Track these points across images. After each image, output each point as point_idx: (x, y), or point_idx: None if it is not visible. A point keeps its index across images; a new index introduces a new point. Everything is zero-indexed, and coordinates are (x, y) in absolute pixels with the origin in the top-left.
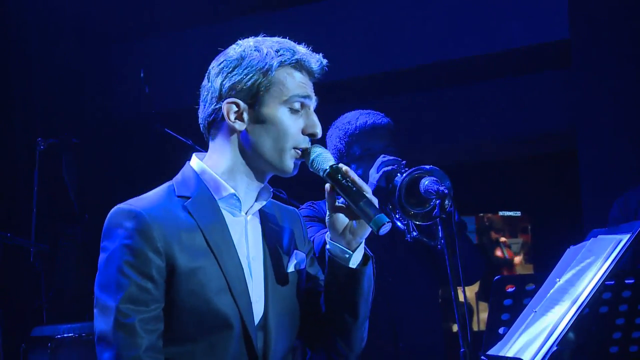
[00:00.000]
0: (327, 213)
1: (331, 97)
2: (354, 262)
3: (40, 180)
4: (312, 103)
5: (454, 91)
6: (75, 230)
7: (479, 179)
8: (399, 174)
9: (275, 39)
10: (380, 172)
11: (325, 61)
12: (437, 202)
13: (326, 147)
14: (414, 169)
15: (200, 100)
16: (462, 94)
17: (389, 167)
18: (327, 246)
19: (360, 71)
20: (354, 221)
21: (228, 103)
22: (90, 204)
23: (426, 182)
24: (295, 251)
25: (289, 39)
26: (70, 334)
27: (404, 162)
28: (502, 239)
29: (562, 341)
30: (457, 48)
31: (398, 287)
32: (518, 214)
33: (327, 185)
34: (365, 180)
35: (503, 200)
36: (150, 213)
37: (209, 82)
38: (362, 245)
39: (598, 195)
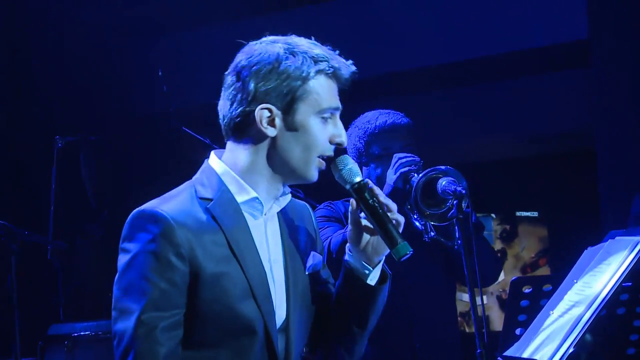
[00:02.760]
0: (349, 227)
1: (350, 96)
2: (373, 278)
3: (58, 177)
4: (339, 111)
5: (472, 90)
6: (93, 227)
7: (496, 178)
8: (415, 175)
9: (308, 42)
10: (397, 174)
11: (354, 69)
12: (455, 202)
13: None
14: (429, 169)
15: (226, 98)
16: (480, 93)
17: (406, 168)
18: (346, 257)
19: (379, 69)
20: (376, 237)
21: (262, 109)
22: (108, 202)
23: (444, 183)
24: (312, 252)
25: (305, 36)
26: (87, 332)
27: (419, 160)
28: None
29: (579, 343)
30: (475, 47)
31: (415, 288)
32: (535, 214)
33: (353, 201)
34: (384, 181)
35: (520, 200)
36: (175, 217)
37: (239, 81)
38: (382, 262)
39: (616, 196)
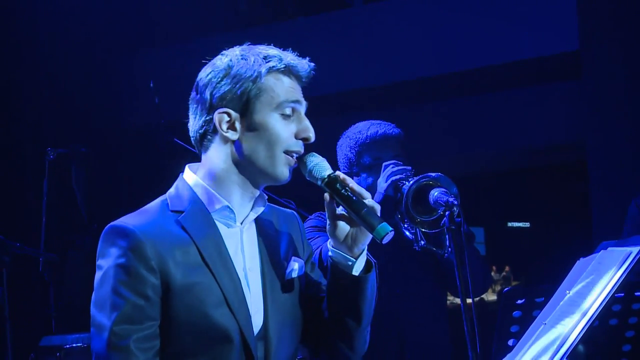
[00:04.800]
0: (328, 222)
1: (342, 107)
2: (357, 269)
3: (50, 190)
4: (303, 107)
5: (463, 102)
6: (85, 240)
7: (488, 190)
8: (406, 183)
9: (262, 46)
10: (388, 182)
11: (312, 65)
12: (447, 212)
13: (337, 156)
14: (420, 176)
15: (190, 113)
16: (471, 105)
17: (397, 177)
18: (330, 253)
19: (372, 82)
20: (355, 229)
21: (219, 113)
22: (99, 214)
23: (435, 193)
24: (293, 257)
25: (301, 49)
26: (79, 344)
27: (410, 168)
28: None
29: (572, 354)
30: (467, 59)
31: (406, 298)
32: (527, 225)
33: (326, 195)
34: (375, 189)
35: (512, 211)
36: (143, 230)
37: (197, 94)
38: (365, 251)
39: (607, 207)
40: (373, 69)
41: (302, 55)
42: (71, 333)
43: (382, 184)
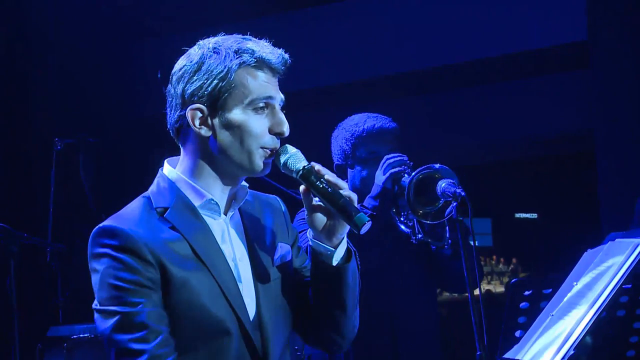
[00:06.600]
0: (306, 213)
1: (353, 97)
2: (337, 257)
3: (57, 180)
4: (277, 101)
5: (470, 92)
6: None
7: (495, 180)
8: (405, 175)
9: (237, 37)
10: (387, 174)
11: (286, 56)
12: (454, 203)
13: (331, 147)
14: (423, 167)
15: (167, 106)
16: (478, 95)
17: (395, 169)
18: (310, 243)
19: (380, 71)
20: (332, 219)
21: (192, 110)
22: (107, 204)
23: (443, 184)
24: (279, 244)
25: (307, 38)
26: (86, 335)
27: (408, 161)
28: None
29: (579, 345)
30: (475, 49)
31: (399, 291)
32: (534, 216)
33: (302, 187)
34: (370, 183)
35: (519, 202)
36: (133, 229)
37: (172, 87)
38: (345, 240)
39: (616, 198)
40: (381, 58)
41: (310, 45)
42: (79, 323)
43: (380, 177)
